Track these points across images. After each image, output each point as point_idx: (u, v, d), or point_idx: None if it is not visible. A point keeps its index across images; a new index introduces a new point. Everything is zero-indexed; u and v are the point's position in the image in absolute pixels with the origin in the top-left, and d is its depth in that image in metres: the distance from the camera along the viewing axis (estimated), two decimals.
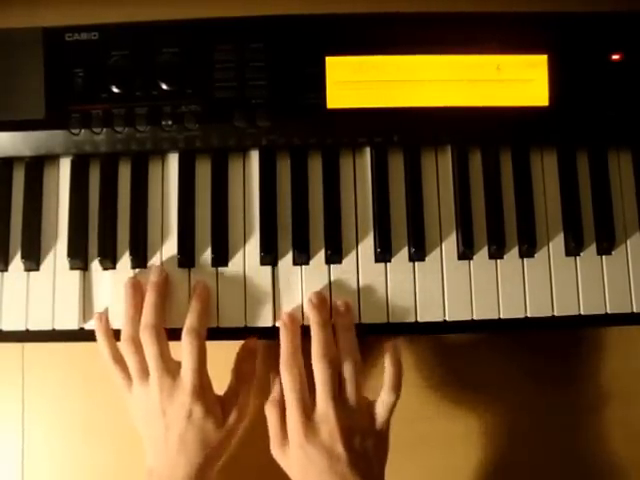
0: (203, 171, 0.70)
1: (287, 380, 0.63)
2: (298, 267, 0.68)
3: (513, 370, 0.73)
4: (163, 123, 0.67)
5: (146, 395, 0.63)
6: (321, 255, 0.68)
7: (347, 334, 0.65)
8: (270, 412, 0.65)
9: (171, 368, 0.63)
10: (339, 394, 0.63)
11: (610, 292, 0.68)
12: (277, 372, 0.65)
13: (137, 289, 0.66)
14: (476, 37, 0.68)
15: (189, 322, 0.64)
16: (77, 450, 0.72)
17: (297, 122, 0.68)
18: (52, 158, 0.70)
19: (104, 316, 0.66)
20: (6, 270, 0.68)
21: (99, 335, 0.65)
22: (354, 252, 0.68)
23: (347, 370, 0.63)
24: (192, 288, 0.67)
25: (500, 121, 0.68)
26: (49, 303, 0.67)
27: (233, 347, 0.72)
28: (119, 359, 0.65)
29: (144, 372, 0.63)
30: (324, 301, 0.66)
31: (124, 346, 0.64)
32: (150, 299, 0.65)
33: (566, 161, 0.70)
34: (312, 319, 0.64)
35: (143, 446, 0.65)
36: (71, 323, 0.66)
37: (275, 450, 0.64)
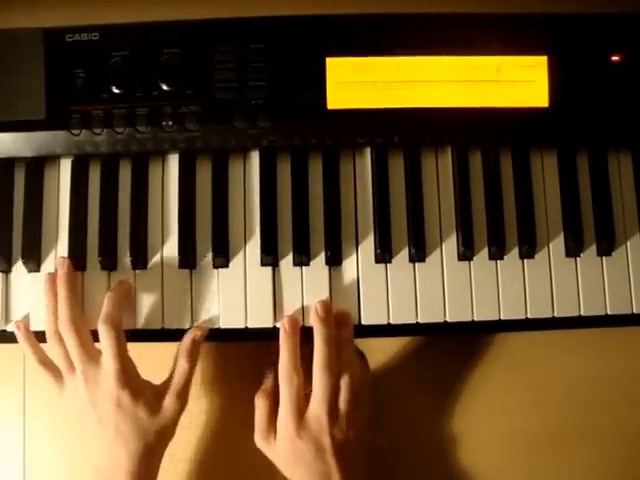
0: (203, 172, 0.70)
1: (285, 385, 0.63)
2: (298, 268, 0.68)
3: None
4: (163, 124, 0.67)
5: (75, 388, 0.64)
6: (321, 256, 0.68)
7: (347, 346, 0.65)
8: (260, 403, 0.66)
9: (94, 356, 0.63)
10: (334, 403, 0.63)
11: (610, 293, 0.68)
12: (270, 366, 0.67)
13: (54, 282, 0.66)
14: (476, 38, 0.68)
15: (104, 311, 0.64)
16: (78, 448, 0.72)
17: (297, 123, 0.68)
18: (53, 158, 0.70)
19: (22, 323, 0.67)
20: (9, 271, 0.68)
21: (21, 340, 0.66)
22: (354, 253, 0.68)
23: (344, 381, 0.64)
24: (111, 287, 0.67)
25: (500, 122, 0.69)
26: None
27: (233, 348, 0.72)
28: (46, 361, 0.66)
29: (71, 365, 0.64)
30: (330, 313, 0.65)
31: (49, 342, 0.65)
32: (61, 293, 0.65)
33: (566, 162, 0.70)
34: (317, 331, 0.64)
35: None
36: None
37: (259, 440, 0.65)
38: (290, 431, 0.63)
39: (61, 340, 0.64)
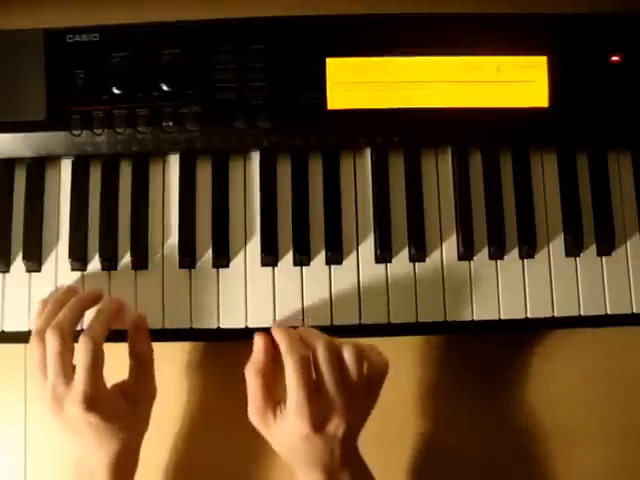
0: (204, 172, 0.70)
1: (295, 372, 0.60)
2: (298, 268, 0.68)
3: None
4: (164, 124, 0.67)
5: (43, 394, 0.62)
6: (322, 256, 0.68)
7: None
8: (251, 379, 0.63)
9: (67, 374, 0.60)
10: (345, 383, 0.60)
11: (610, 293, 0.68)
12: (260, 337, 0.64)
13: (70, 293, 0.66)
14: (476, 38, 0.68)
15: (89, 324, 0.63)
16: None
17: (297, 123, 0.68)
18: (53, 159, 0.70)
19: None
20: (8, 271, 0.68)
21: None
22: (354, 253, 0.69)
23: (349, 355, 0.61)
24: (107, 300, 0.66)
25: (500, 122, 0.69)
26: None
27: (232, 348, 0.72)
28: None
29: (44, 369, 0.62)
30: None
31: (32, 339, 0.63)
32: (73, 302, 0.64)
33: (566, 162, 0.70)
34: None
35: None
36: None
37: (255, 417, 0.62)
38: (310, 428, 0.59)
39: (43, 341, 0.62)
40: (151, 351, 0.66)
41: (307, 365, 0.60)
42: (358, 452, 0.64)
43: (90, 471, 0.63)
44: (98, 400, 0.60)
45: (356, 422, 0.62)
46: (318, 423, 0.59)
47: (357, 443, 0.64)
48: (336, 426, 0.60)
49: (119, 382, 0.65)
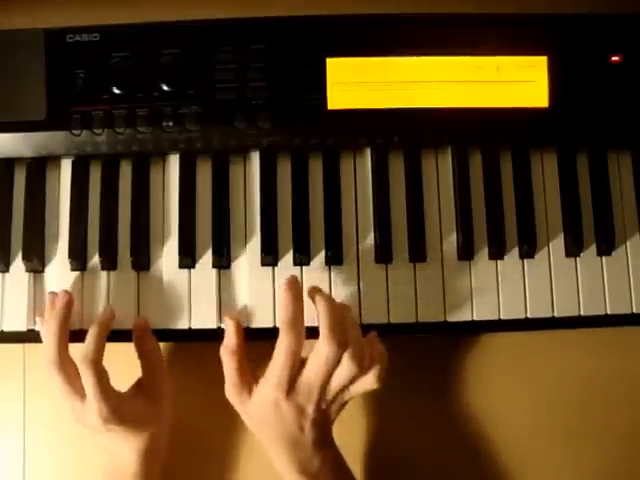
0: (204, 172, 0.70)
1: (286, 342, 0.61)
2: (299, 268, 0.68)
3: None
4: (164, 124, 0.67)
5: (70, 411, 0.65)
6: (322, 256, 0.68)
7: (354, 327, 0.63)
8: (226, 360, 0.64)
9: (79, 392, 0.63)
10: (329, 376, 0.62)
11: (610, 293, 0.68)
12: (230, 320, 0.65)
13: (52, 302, 0.67)
14: (476, 38, 0.68)
15: (84, 350, 0.63)
16: (78, 449, 0.72)
17: (298, 123, 0.68)
18: (53, 159, 0.70)
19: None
20: (7, 271, 0.68)
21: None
22: (354, 253, 0.69)
23: (347, 358, 0.61)
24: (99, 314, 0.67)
25: (500, 122, 0.69)
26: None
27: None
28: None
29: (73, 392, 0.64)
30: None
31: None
32: (51, 326, 0.64)
33: (566, 162, 0.71)
34: (319, 302, 0.62)
35: None
36: (73, 324, 0.66)
37: (232, 396, 0.64)
38: (279, 393, 0.61)
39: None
40: (158, 349, 0.67)
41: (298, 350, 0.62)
42: (334, 445, 0.65)
43: (120, 472, 0.65)
44: (112, 410, 0.62)
45: (331, 409, 0.64)
46: (289, 389, 0.61)
47: (332, 435, 0.65)
48: (307, 401, 0.62)
49: (136, 381, 0.67)
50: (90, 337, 0.63)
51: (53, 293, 0.67)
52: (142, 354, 0.66)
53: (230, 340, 0.65)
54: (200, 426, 0.72)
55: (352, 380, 0.62)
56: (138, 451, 0.64)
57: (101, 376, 0.62)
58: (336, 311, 0.62)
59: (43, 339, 0.65)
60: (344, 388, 0.63)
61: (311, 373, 0.62)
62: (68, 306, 0.65)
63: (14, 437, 0.72)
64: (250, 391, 0.64)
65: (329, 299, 0.63)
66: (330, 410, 0.64)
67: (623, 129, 0.70)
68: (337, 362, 0.61)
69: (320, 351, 0.61)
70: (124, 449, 0.65)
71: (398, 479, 0.72)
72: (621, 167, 0.71)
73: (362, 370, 0.62)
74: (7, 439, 0.72)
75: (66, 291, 0.66)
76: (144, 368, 0.67)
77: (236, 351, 0.64)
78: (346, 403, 0.65)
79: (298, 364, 0.62)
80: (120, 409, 0.63)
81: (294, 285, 0.64)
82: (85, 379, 0.62)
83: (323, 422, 0.63)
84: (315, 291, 0.64)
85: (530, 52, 0.68)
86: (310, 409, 0.62)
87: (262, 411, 0.63)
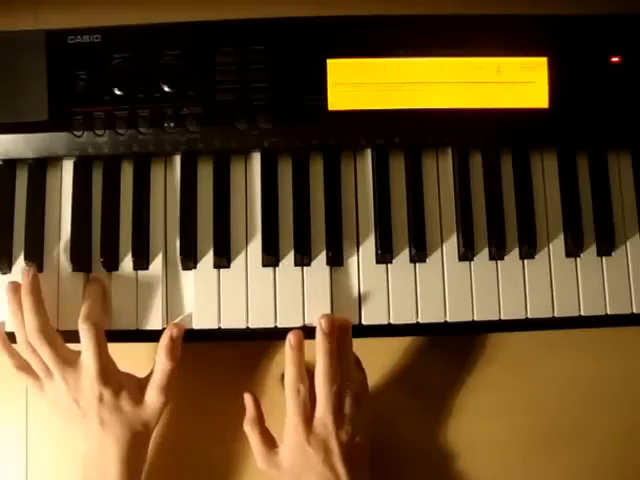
0: (205, 173, 0.70)
1: (293, 396, 0.64)
2: (299, 268, 0.68)
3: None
4: (165, 125, 0.67)
5: (56, 390, 0.65)
6: (322, 256, 0.68)
7: (347, 353, 0.66)
8: (250, 432, 0.68)
9: (70, 360, 0.64)
10: (339, 409, 0.64)
11: (610, 293, 0.68)
12: (248, 396, 0.69)
13: (17, 292, 0.66)
14: (476, 39, 0.68)
15: (83, 310, 0.65)
16: (80, 447, 0.72)
17: (298, 124, 0.68)
18: (55, 160, 0.70)
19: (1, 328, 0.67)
20: (9, 272, 0.69)
21: None
22: (355, 253, 0.69)
23: (346, 387, 0.65)
24: (87, 285, 0.68)
25: (500, 123, 0.69)
26: (53, 305, 0.67)
27: (231, 348, 0.72)
28: (22, 365, 0.66)
29: (48, 371, 0.65)
30: (333, 327, 0.65)
31: (21, 350, 0.66)
32: (25, 304, 0.65)
33: (566, 163, 0.71)
34: (320, 345, 0.65)
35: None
36: (74, 324, 0.66)
37: (264, 464, 0.66)
38: (300, 438, 0.63)
39: (33, 349, 0.65)
40: (176, 362, 0.66)
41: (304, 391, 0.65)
42: (364, 466, 0.66)
43: (100, 462, 0.64)
44: (109, 374, 0.64)
45: (354, 437, 0.64)
46: (308, 433, 0.63)
47: (364, 458, 0.66)
48: (327, 436, 0.63)
49: (139, 377, 0.67)
50: (86, 299, 0.66)
51: (13, 282, 0.67)
52: (160, 361, 0.66)
53: (250, 413, 0.68)
54: (196, 429, 0.72)
55: (358, 403, 0.65)
56: (122, 443, 0.64)
57: (100, 334, 0.64)
58: (332, 354, 0.64)
59: (16, 318, 0.65)
60: (356, 413, 0.65)
61: (321, 411, 0.64)
62: (35, 278, 0.66)
63: (16, 435, 0.73)
64: (277, 453, 0.66)
65: (327, 343, 0.64)
66: (353, 441, 0.64)
67: (623, 130, 0.70)
68: (339, 394, 0.64)
69: (319, 391, 0.64)
70: (108, 438, 0.64)
71: (398, 479, 0.72)
72: (621, 167, 0.71)
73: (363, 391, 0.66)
74: (9, 437, 0.73)
75: (29, 266, 0.67)
76: (154, 370, 0.66)
77: (257, 422, 0.68)
78: (364, 425, 0.65)
79: (309, 409, 0.64)
80: (115, 375, 0.64)
81: (299, 345, 0.65)
82: (85, 338, 0.63)
83: (351, 455, 0.64)
84: (319, 330, 0.65)
85: (530, 53, 0.68)
86: (333, 444, 0.63)
87: (293, 464, 0.65)
